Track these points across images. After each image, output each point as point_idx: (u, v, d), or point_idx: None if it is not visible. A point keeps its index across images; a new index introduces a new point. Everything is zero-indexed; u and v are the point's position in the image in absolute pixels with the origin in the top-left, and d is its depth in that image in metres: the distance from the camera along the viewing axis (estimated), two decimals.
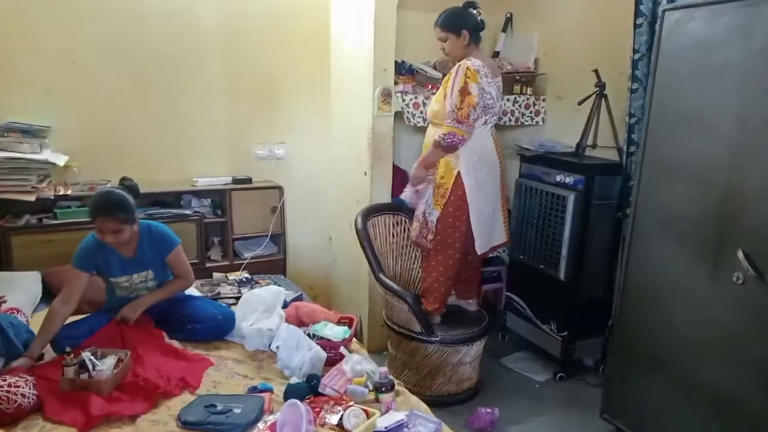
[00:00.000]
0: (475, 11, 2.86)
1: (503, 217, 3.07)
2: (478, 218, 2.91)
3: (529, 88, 3.75)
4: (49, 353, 2.37)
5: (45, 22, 3.16)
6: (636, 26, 2.95)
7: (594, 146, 3.29)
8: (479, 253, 2.99)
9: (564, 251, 3.16)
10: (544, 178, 3.33)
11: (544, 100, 3.78)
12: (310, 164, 3.97)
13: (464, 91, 2.74)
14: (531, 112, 3.76)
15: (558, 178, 3.23)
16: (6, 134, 3.05)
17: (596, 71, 3.19)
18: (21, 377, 2.04)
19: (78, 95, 3.30)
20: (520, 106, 3.71)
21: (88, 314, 2.60)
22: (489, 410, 2.83)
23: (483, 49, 3.81)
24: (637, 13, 2.92)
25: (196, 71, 3.57)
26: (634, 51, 2.96)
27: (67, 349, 2.19)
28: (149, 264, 2.58)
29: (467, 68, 2.75)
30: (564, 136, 3.53)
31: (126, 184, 2.56)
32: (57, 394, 2.07)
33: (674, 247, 2.42)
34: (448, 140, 2.79)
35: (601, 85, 3.19)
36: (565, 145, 3.44)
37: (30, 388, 2.01)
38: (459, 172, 2.85)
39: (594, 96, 3.22)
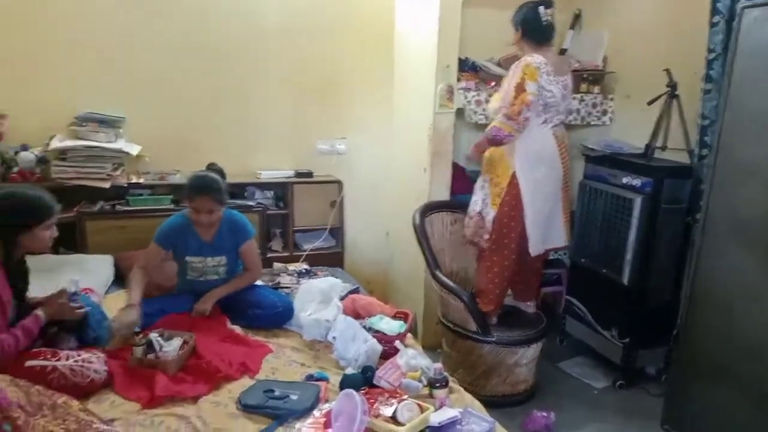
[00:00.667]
0: (542, 9, 2.78)
1: (564, 220, 3.00)
2: (533, 219, 2.85)
3: (596, 87, 3.66)
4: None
5: (122, 20, 3.32)
6: (712, 25, 2.83)
7: (664, 148, 3.18)
8: (532, 255, 2.93)
9: (629, 256, 3.07)
10: (610, 180, 3.24)
11: (611, 99, 3.67)
12: (370, 160, 4.00)
13: (519, 88, 2.71)
14: (598, 112, 3.66)
15: (624, 180, 3.13)
16: (84, 124, 3.21)
17: (668, 71, 3.08)
18: (93, 354, 2.15)
19: (151, 89, 3.45)
20: (586, 105, 3.62)
21: (159, 296, 2.72)
22: (544, 414, 2.79)
23: None
24: (714, 11, 2.81)
25: (262, 67, 3.66)
26: (709, 50, 2.85)
27: (137, 329, 2.30)
28: (225, 250, 2.69)
29: (526, 65, 2.71)
30: (632, 137, 3.42)
31: (215, 168, 2.71)
32: (126, 371, 2.18)
33: (747, 253, 2.32)
34: (493, 134, 2.78)
35: (672, 85, 3.08)
36: (632, 146, 3.34)
37: (101, 364, 2.12)
38: (514, 172, 2.80)
39: (665, 96, 3.11)
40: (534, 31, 2.80)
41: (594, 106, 3.64)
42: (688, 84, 3.07)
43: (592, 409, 3.01)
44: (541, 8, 2.79)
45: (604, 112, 3.67)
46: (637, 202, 3.01)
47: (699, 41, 2.92)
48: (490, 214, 2.89)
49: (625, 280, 3.09)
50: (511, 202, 2.83)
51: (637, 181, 3.07)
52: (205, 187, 2.56)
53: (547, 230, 2.94)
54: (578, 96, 3.59)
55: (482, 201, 2.96)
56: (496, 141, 2.80)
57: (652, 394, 3.10)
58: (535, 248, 2.91)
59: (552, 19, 2.83)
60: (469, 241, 3.08)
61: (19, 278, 2.09)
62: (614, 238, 3.16)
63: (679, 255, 3.07)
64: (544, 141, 2.83)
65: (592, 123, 3.68)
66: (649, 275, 3.07)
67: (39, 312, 2.12)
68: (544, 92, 2.73)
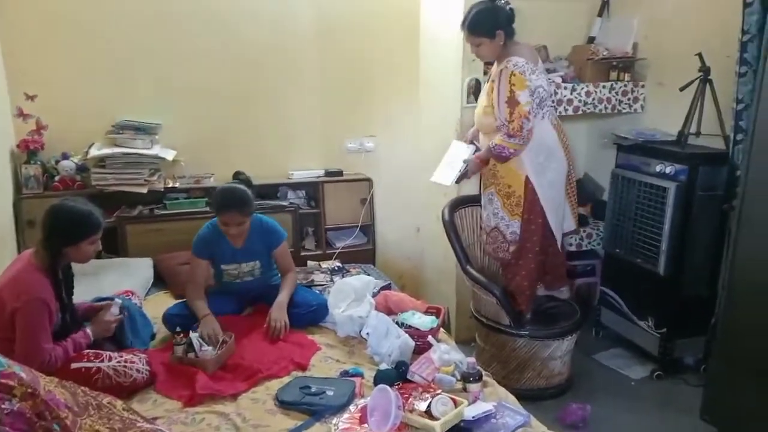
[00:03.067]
0: (503, 1, 2.65)
1: (570, 205, 2.95)
2: (555, 215, 2.82)
3: (626, 75, 3.59)
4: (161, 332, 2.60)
5: (153, 28, 3.40)
6: (746, 5, 2.75)
7: (698, 134, 3.11)
8: (561, 250, 2.92)
9: (664, 245, 3.03)
10: (643, 169, 3.19)
11: (643, 86, 3.61)
12: (398, 157, 4.01)
13: (512, 102, 2.59)
14: (629, 100, 3.59)
15: (658, 168, 3.08)
16: (121, 131, 3.31)
17: (700, 55, 3.01)
18: (135, 354, 2.24)
19: (184, 94, 3.52)
20: (616, 93, 3.56)
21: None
22: (581, 406, 2.77)
23: (576, 35, 3.71)
24: None
25: (292, 70, 3.71)
26: (743, 32, 2.77)
27: (177, 329, 2.38)
28: (257, 254, 2.74)
29: (511, 74, 2.58)
30: (665, 124, 3.36)
31: (241, 178, 2.76)
32: (167, 371, 2.25)
33: None
34: (497, 152, 2.69)
35: (705, 70, 3.01)
36: (665, 133, 3.28)
37: (143, 364, 2.20)
38: (527, 177, 2.74)
39: (697, 81, 3.05)
40: (510, 26, 2.67)
41: (624, 94, 3.57)
42: (721, 68, 3.00)
43: (630, 400, 2.99)
44: (500, 2, 2.65)
45: (635, 100, 3.60)
46: (672, 190, 2.97)
47: (733, 23, 2.85)
48: (513, 225, 2.83)
49: (661, 270, 3.05)
50: (531, 207, 2.78)
51: (670, 169, 3.02)
52: (232, 202, 2.58)
53: (561, 220, 2.91)
54: (608, 84, 3.54)
55: (494, 215, 2.91)
56: (502, 158, 2.72)
57: (690, 385, 3.05)
58: (560, 243, 2.90)
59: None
60: (493, 257, 3.04)
61: (62, 286, 2.17)
62: (648, 228, 3.11)
63: (716, 243, 3.00)
64: (544, 135, 2.75)
65: (623, 111, 3.61)
66: (685, 264, 3.02)
67: (88, 329, 2.23)
68: (538, 90, 2.64)
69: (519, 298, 2.94)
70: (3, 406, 1.36)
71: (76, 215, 2.12)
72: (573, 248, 3.66)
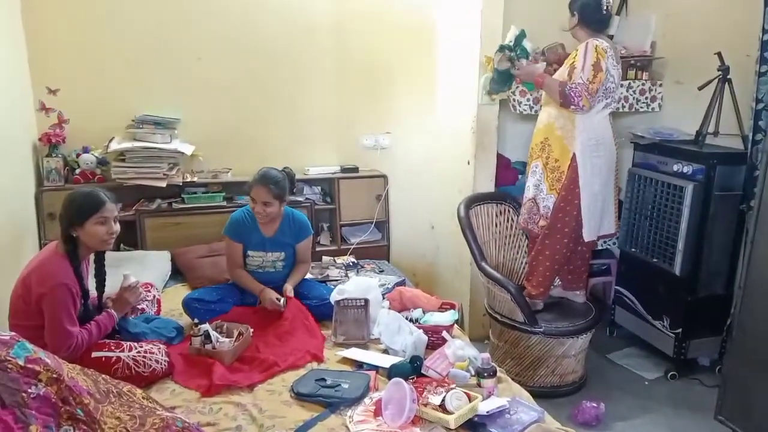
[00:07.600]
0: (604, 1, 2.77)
1: (615, 207, 2.98)
2: (590, 204, 2.84)
3: (644, 73, 3.57)
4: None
5: (172, 24, 3.45)
6: (766, 3, 2.75)
7: (716, 134, 3.10)
8: (586, 240, 2.91)
9: (680, 245, 3.01)
10: (660, 168, 3.18)
11: (660, 85, 3.59)
12: (413, 153, 4.02)
13: (597, 67, 2.69)
14: (646, 98, 3.58)
15: (675, 167, 3.07)
16: (141, 126, 3.36)
17: (719, 54, 2.99)
18: (155, 345, 2.27)
19: (203, 90, 3.57)
20: (634, 92, 3.54)
21: (214, 286, 2.84)
22: (594, 405, 2.77)
23: None
24: None
25: (308, 66, 3.74)
26: (764, 31, 2.76)
27: (196, 320, 2.41)
28: (284, 246, 2.81)
29: (596, 46, 2.70)
30: (682, 123, 3.34)
31: (286, 171, 2.84)
32: (185, 362, 2.29)
33: None
34: (571, 92, 2.66)
35: (724, 69, 2.99)
36: (683, 132, 3.26)
37: (162, 355, 2.23)
38: (574, 154, 2.79)
39: (716, 80, 3.03)
40: (592, 19, 2.80)
41: (642, 92, 3.56)
42: (741, 67, 2.98)
43: (643, 399, 2.98)
44: None
45: (653, 99, 3.59)
46: (689, 189, 2.95)
47: (753, 22, 2.84)
48: (548, 200, 2.89)
49: (677, 270, 3.04)
50: (570, 186, 2.82)
51: (688, 169, 3.00)
52: (264, 178, 2.68)
53: (601, 217, 2.92)
54: (626, 83, 3.52)
55: (535, 186, 2.95)
56: (565, 100, 2.69)
57: (705, 386, 3.04)
58: (589, 234, 2.89)
59: (611, 9, 2.81)
60: (523, 228, 3.07)
61: (84, 275, 2.20)
62: (665, 227, 3.10)
63: (733, 244, 2.99)
64: (602, 126, 2.83)
65: (641, 110, 3.60)
66: (701, 265, 3.01)
67: (111, 309, 2.26)
68: (609, 76, 2.74)
69: (536, 280, 2.97)
70: (29, 390, 1.40)
71: (79, 196, 2.16)
72: None
